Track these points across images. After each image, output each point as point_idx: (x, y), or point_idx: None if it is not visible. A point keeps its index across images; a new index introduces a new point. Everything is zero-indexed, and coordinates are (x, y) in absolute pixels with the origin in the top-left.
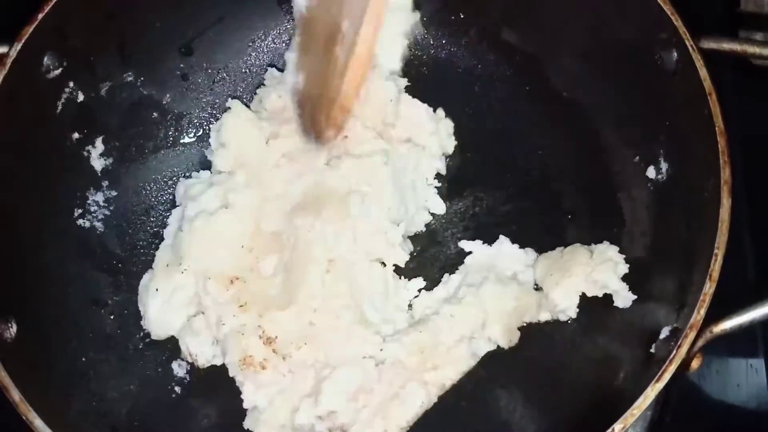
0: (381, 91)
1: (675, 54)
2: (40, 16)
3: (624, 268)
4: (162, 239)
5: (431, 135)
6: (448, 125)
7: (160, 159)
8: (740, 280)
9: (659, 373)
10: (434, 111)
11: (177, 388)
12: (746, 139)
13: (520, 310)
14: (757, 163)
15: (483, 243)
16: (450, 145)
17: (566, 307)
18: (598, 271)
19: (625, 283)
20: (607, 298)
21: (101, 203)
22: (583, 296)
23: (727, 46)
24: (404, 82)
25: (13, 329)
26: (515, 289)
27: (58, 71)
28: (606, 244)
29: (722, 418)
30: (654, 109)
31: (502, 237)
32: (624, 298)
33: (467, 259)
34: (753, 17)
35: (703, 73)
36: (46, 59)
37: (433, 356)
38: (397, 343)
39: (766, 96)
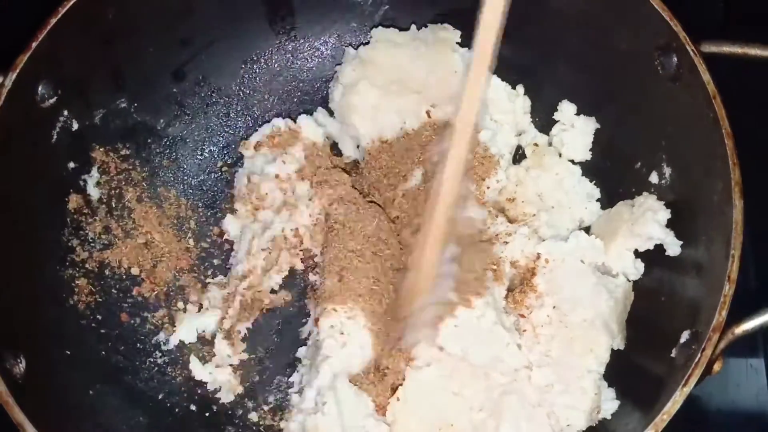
0: (444, 64)
1: (675, 59)
2: (35, 44)
3: (666, 215)
4: None
5: (506, 113)
6: (526, 103)
7: (156, 185)
8: (741, 282)
9: (686, 377)
10: (513, 88)
11: (185, 420)
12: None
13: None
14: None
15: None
16: (525, 122)
17: (625, 268)
18: (639, 222)
19: (670, 230)
20: None
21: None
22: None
23: (727, 49)
24: None
25: (23, 365)
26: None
27: (52, 100)
28: (645, 194)
29: (722, 418)
30: (655, 115)
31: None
32: (672, 245)
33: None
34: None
35: (706, 77)
36: (40, 88)
37: None
38: None
39: (761, 94)
